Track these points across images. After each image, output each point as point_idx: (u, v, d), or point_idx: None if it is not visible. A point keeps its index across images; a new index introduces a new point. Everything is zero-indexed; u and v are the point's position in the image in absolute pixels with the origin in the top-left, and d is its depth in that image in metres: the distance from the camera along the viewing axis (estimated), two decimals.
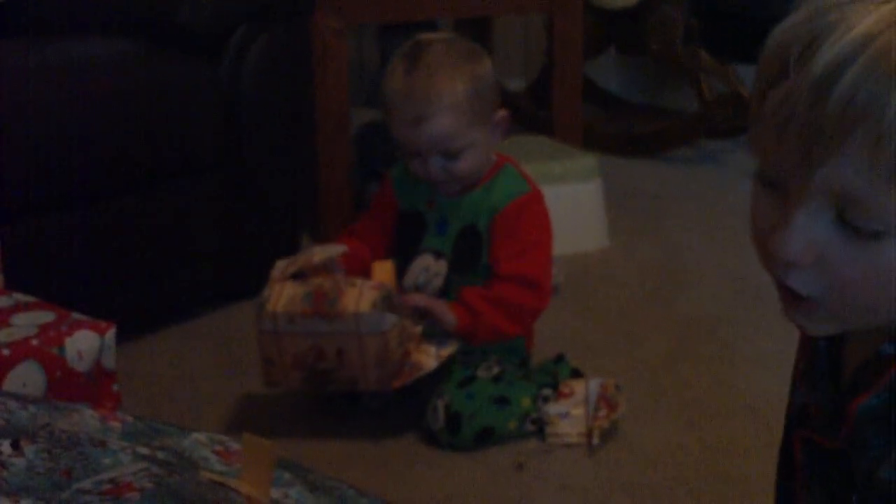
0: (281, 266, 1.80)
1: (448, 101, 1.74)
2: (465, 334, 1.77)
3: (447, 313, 1.76)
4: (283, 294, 1.74)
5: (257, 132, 2.26)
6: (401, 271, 1.85)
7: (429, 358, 1.74)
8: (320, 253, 1.82)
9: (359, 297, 1.70)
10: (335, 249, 1.83)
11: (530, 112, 3.41)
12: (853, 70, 0.74)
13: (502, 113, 1.82)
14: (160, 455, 1.02)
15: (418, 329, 1.76)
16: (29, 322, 1.46)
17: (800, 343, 1.00)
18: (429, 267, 1.84)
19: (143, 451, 1.02)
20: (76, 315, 1.49)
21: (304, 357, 1.73)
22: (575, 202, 2.58)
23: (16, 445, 0.95)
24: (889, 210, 0.75)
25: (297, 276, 1.78)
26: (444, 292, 1.83)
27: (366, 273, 1.80)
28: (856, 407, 0.88)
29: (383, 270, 1.79)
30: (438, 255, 1.84)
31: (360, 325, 1.69)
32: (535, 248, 1.80)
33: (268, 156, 2.28)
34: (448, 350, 1.76)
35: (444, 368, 1.80)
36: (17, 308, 1.51)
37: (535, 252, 1.80)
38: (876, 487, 0.85)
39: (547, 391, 1.80)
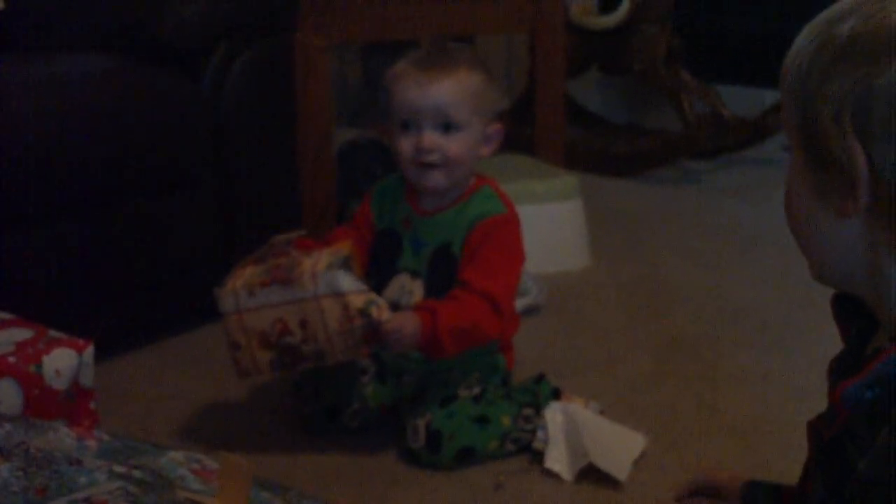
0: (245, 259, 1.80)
1: (462, 74, 1.78)
2: (423, 347, 1.75)
3: (410, 324, 1.72)
4: (242, 275, 1.75)
5: (240, 149, 2.26)
6: (378, 291, 1.85)
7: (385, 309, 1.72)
8: (279, 238, 1.82)
9: (315, 262, 1.70)
10: (294, 233, 1.83)
11: (513, 131, 3.41)
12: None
13: (498, 126, 1.84)
14: (136, 474, 1.02)
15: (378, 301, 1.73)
16: (6, 339, 1.45)
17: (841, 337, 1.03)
18: (404, 285, 1.84)
19: (120, 469, 1.01)
20: (54, 333, 1.48)
21: (269, 334, 1.71)
22: (556, 221, 2.58)
23: None
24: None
25: (259, 262, 1.78)
26: None
27: None
28: (840, 392, 0.90)
29: (342, 246, 1.79)
30: (415, 274, 1.84)
31: (317, 287, 1.67)
32: (504, 271, 1.79)
33: (250, 173, 2.28)
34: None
35: (425, 388, 1.80)
36: None
37: (505, 273, 1.79)
38: (856, 479, 0.87)
39: (528, 410, 1.79)
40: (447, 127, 1.78)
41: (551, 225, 2.54)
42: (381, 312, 1.69)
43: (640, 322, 2.31)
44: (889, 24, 0.85)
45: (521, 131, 3.34)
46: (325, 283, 1.67)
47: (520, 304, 2.20)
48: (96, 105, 2.04)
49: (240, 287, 1.71)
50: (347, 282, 1.68)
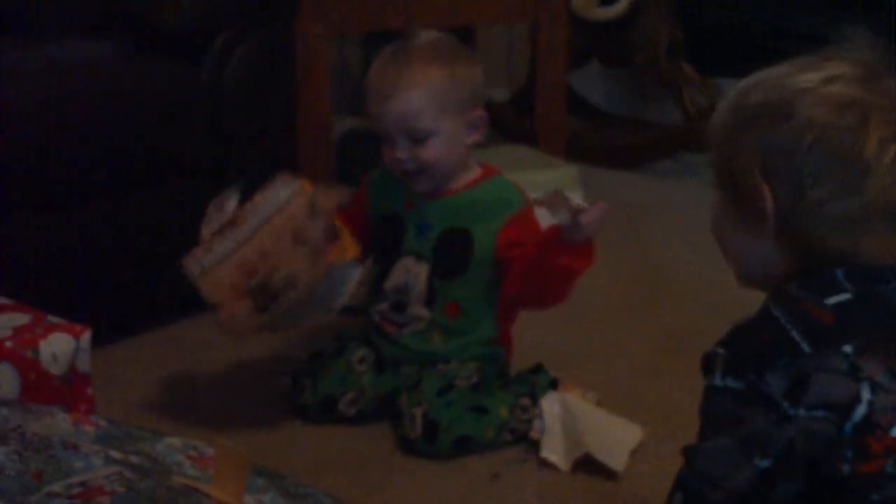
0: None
1: (419, 80, 1.74)
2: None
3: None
4: (202, 235, 1.77)
5: (239, 137, 2.25)
6: (383, 275, 1.85)
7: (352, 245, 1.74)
8: (224, 197, 1.82)
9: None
10: (230, 192, 1.82)
11: (513, 122, 3.40)
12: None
13: (479, 112, 1.81)
14: (133, 459, 1.02)
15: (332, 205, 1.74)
16: (3, 324, 1.45)
17: None
18: (410, 269, 1.83)
19: (116, 455, 1.01)
20: (51, 318, 1.48)
21: (237, 282, 1.72)
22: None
23: None
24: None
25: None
26: (429, 298, 1.83)
27: None
28: None
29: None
30: (419, 257, 1.83)
31: (264, 209, 1.69)
32: None
33: (250, 161, 2.27)
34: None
35: (422, 378, 1.80)
36: None
37: None
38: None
39: (525, 401, 1.79)
40: (415, 138, 1.77)
41: (551, 216, 2.53)
42: (328, 199, 1.71)
43: (638, 313, 2.30)
44: (782, 96, 1.13)
45: (521, 122, 3.34)
46: (270, 201, 1.69)
47: None
48: (94, 92, 2.03)
49: (198, 250, 1.74)
50: (284, 192, 1.68)
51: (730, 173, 1.17)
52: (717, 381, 1.13)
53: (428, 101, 1.75)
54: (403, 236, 1.85)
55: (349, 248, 1.77)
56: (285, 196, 1.68)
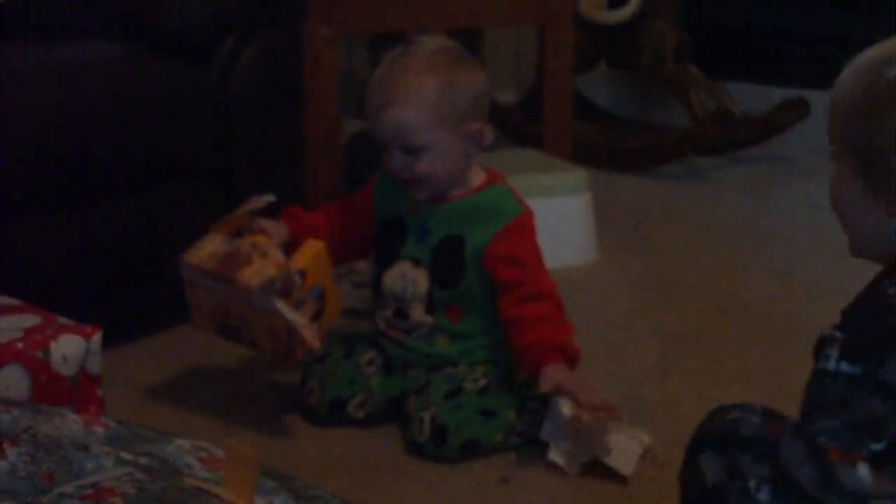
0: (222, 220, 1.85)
1: (412, 93, 1.74)
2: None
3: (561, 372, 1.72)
4: (206, 247, 1.80)
5: (247, 139, 2.25)
6: (379, 277, 1.86)
7: (314, 339, 1.77)
8: (253, 202, 1.86)
9: (260, 270, 1.74)
10: (265, 199, 1.86)
11: (520, 125, 3.40)
12: None
13: (480, 125, 1.79)
14: (143, 461, 1.02)
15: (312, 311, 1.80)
16: (14, 325, 1.45)
17: None
18: (405, 274, 1.83)
19: (127, 456, 1.01)
20: (62, 319, 1.48)
21: (214, 310, 1.81)
22: (564, 215, 2.58)
23: None
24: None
25: (239, 232, 1.84)
26: (429, 304, 1.82)
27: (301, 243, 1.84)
28: None
29: (309, 248, 1.82)
30: (417, 262, 1.83)
31: (250, 299, 1.74)
32: (541, 265, 1.83)
33: (257, 163, 2.28)
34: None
35: (430, 381, 1.80)
36: (2, 311, 1.50)
37: (542, 269, 1.83)
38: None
39: (533, 404, 1.79)
40: (409, 150, 1.77)
41: (558, 219, 2.53)
42: (311, 339, 1.75)
43: (645, 317, 2.30)
44: None
45: (528, 126, 3.34)
46: (255, 299, 1.74)
47: None
48: (101, 94, 2.04)
49: (194, 264, 1.78)
50: (272, 305, 1.73)
51: (865, 150, 1.18)
52: (830, 365, 1.12)
53: (421, 116, 1.74)
54: (404, 240, 1.84)
55: (332, 312, 1.86)
56: (272, 306, 1.73)
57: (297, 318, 1.75)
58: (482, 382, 1.79)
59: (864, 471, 1.10)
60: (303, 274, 1.78)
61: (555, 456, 1.71)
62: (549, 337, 1.73)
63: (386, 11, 2.67)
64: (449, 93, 1.75)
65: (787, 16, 3.63)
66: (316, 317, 1.80)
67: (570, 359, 1.75)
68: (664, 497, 1.63)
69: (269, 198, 1.86)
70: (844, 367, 1.10)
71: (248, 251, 1.76)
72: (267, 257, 1.76)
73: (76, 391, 1.44)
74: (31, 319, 1.47)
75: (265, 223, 1.83)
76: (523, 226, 1.81)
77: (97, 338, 1.47)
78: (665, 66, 3.44)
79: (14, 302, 1.54)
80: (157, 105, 2.12)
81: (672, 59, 3.44)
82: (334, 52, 2.59)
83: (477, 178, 1.85)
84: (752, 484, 1.16)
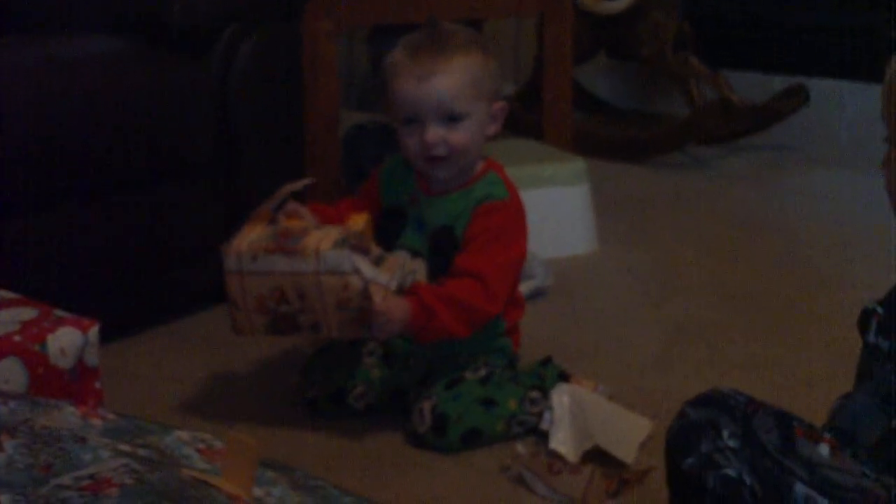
0: (258, 210, 1.78)
1: (458, 63, 1.75)
2: (415, 332, 1.75)
3: (399, 310, 1.71)
4: (250, 234, 1.73)
5: (246, 133, 2.25)
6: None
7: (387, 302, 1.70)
8: (289, 187, 1.79)
9: (323, 237, 1.68)
10: (301, 183, 1.81)
11: (520, 116, 3.40)
12: None
13: (502, 104, 1.82)
14: (141, 452, 1.01)
15: (391, 282, 1.72)
16: (11, 318, 1.45)
17: None
18: (403, 264, 1.82)
19: (124, 447, 1.01)
20: (59, 312, 1.48)
21: (267, 299, 1.70)
22: (564, 206, 2.58)
23: None
24: None
25: (272, 222, 1.76)
26: None
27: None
28: None
29: (357, 221, 1.76)
30: (415, 253, 1.82)
31: (320, 264, 1.66)
32: (495, 249, 1.77)
33: (257, 157, 2.27)
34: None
35: (431, 371, 1.79)
36: (0, 304, 1.50)
37: (494, 253, 1.77)
38: None
39: (534, 393, 1.79)
40: (451, 119, 1.76)
41: (559, 209, 2.53)
42: (381, 295, 1.68)
43: (647, 307, 2.30)
44: None
45: (528, 116, 3.33)
46: (329, 261, 1.65)
47: (526, 287, 2.19)
48: (100, 88, 2.03)
49: (244, 249, 1.70)
50: (350, 263, 1.66)
51: None
52: (871, 339, 1.15)
53: (467, 84, 1.75)
54: (402, 231, 1.84)
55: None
56: (348, 267, 1.65)
57: (377, 274, 1.69)
58: (483, 372, 1.79)
59: (824, 448, 1.16)
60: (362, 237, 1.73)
61: (556, 444, 1.70)
62: (430, 288, 1.73)
63: (386, 4, 2.67)
64: (487, 67, 1.79)
65: (786, 4, 3.62)
66: (399, 290, 1.74)
67: (432, 316, 1.71)
68: (664, 485, 1.62)
69: (306, 180, 1.82)
70: (881, 341, 1.13)
71: (300, 227, 1.71)
72: (321, 229, 1.71)
73: (74, 384, 1.44)
74: (28, 312, 1.47)
75: (299, 207, 1.80)
76: (493, 210, 1.79)
77: (95, 330, 1.47)
78: (665, 56, 3.44)
79: (11, 295, 1.53)
80: (158, 99, 2.12)
81: (672, 49, 3.43)
82: (334, 46, 2.58)
83: (477, 167, 1.85)
84: (724, 432, 1.24)
